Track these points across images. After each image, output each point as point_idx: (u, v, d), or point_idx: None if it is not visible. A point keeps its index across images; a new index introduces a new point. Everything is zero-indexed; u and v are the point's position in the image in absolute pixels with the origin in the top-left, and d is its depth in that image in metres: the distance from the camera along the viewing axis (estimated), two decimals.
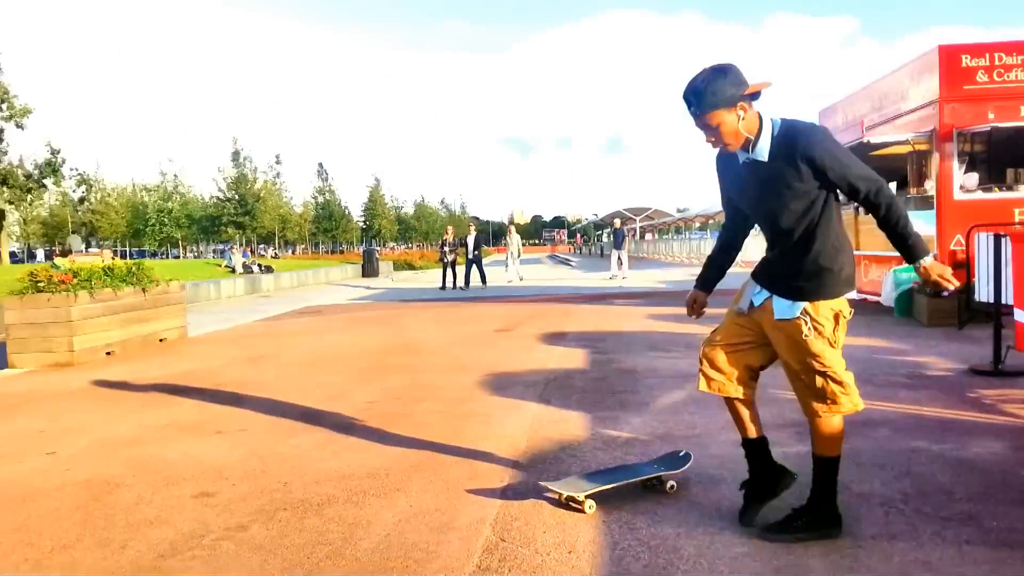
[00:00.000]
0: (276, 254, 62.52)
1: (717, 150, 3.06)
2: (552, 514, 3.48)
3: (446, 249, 21.47)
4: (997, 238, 6.68)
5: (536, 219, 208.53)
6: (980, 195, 10.28)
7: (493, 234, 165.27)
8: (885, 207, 2.87)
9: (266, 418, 5.63)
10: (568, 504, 3.53)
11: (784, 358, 3.06)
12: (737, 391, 3.22)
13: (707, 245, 36.92)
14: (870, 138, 11.10)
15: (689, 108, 2.89)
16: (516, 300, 16.28)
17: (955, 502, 3.47)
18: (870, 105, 12.43)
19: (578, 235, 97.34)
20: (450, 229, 22.62)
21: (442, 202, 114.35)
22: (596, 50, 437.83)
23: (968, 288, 8.00)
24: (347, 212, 78.26)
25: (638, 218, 52.62)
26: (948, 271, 2.87)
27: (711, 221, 49.36)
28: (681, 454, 3.90)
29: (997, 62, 10.08)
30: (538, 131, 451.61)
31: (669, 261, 41.42)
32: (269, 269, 27.58)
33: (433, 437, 4.89)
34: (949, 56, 10.15)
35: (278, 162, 64.02)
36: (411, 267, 41.83)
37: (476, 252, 21.32)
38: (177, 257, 61.78)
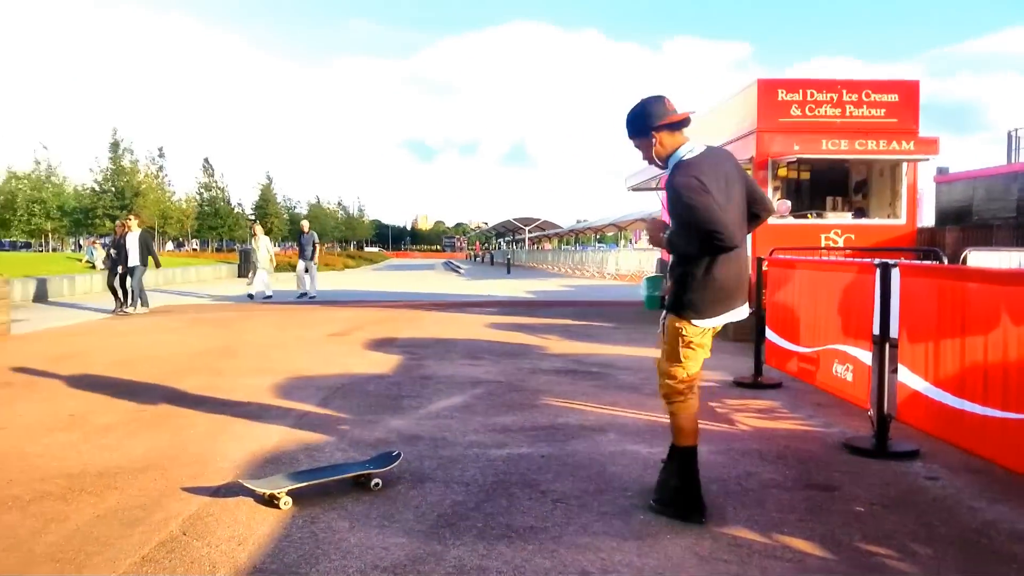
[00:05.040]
0: None
1: None
2: (248, 511, 3.66)
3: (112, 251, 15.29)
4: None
5: (438, 225, 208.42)
6: (791, 220, 11.07)
7: (393, 238, 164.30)
8: None
9: (34, 416, 5.58)
10: (270, 501, 3.72)
11: None
12: None
13: (595, 257, 37.74)
14: None
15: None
16: (373, 305, 16.36)
17: (625, 497, 3.85)
18: (709, 129, 13.19)
19: (476, 242, 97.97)
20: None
21: (339, 203, 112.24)
22: (500, 59, 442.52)
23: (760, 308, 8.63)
24: (238, 209, 76.25)
25: (527, 228, 53.51)
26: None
27: (607, 234, 50.71)
28: (393, 453, 4.16)
29: (808, 97, 10.90)
30: (441, 136, 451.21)
31: (552, 271, 42.23)
32: None
33: (188, 437, 5.00)
34: (767, 89, 10.91)
35: (161, 155, 61.67)
36: (293, 268, 41.09)
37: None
38: (44, 250, 58.65)
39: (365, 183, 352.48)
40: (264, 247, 18.28)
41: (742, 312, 3.66)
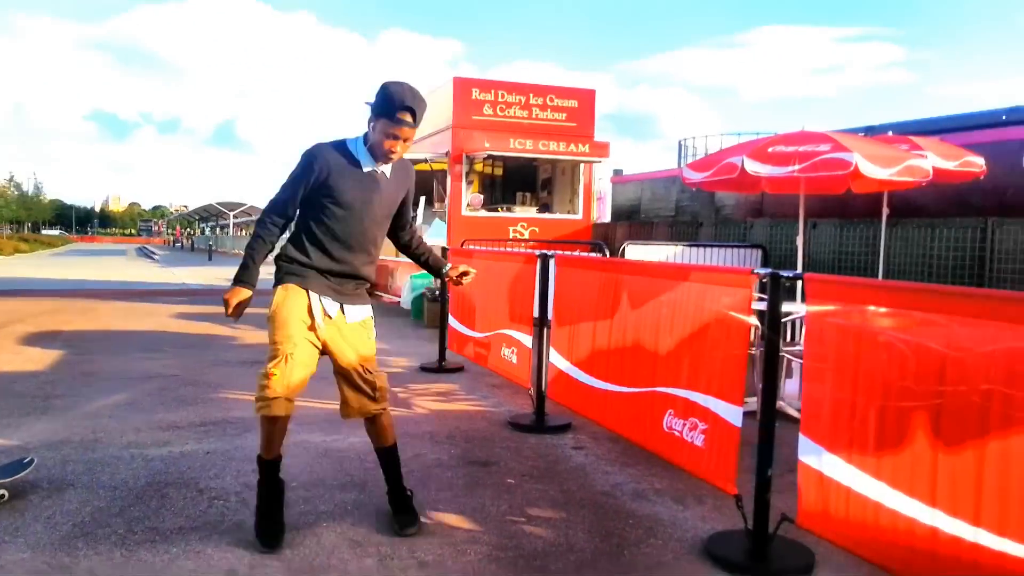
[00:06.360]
0: None
1: (318, 143, 3.22)
2: None
3: None
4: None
5: (133, 207, 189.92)
6: (483, 213, 11.66)
7: (78, 220, 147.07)
8: (419, 237, 3.68)
9: None
10: None
11: (350, 358, 3.29)
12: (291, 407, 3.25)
13: None
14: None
15: (412, 115, 3.07)
16: (42, 295, 14.51)
17: (290, 488, 3.79)
18: None
19: (177, 227, 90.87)
20: None
21: (11, 179, 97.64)
22: (206, 34, 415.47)
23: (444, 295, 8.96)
24: None
25: (232, 213, 50.75)
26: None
27: None
28: (25, 460, 3.73)
29: (500, 98, 11.52)
30: (136, 111, 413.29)
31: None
32: None
33: None
34: (462, 88, 11.35)
35: None
36: None
37: None
38: None
39: (44, 158, 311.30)
40: None
41: None
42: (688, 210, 12.97)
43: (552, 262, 5.04)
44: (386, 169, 3.24)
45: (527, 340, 5.36)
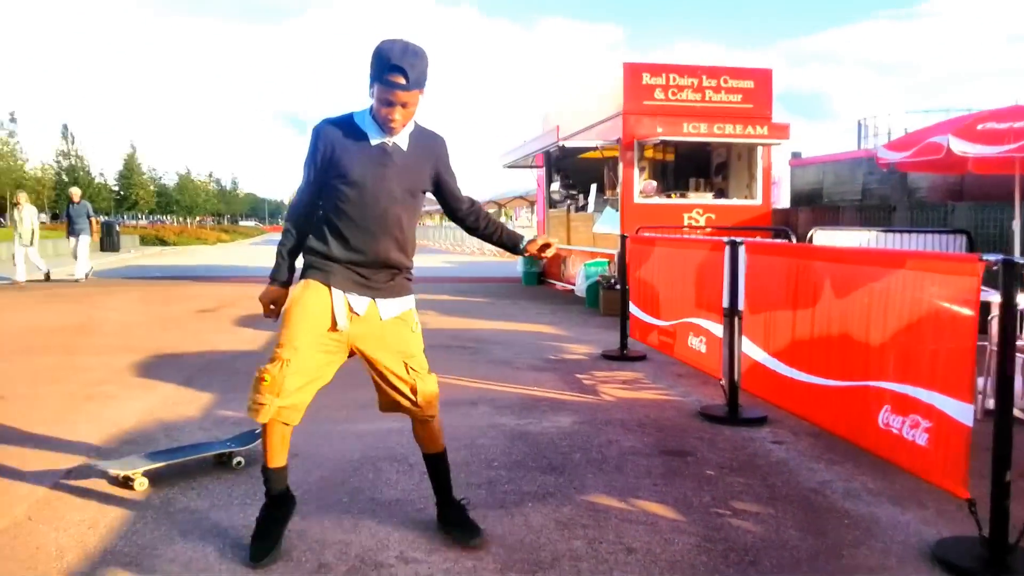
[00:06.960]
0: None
1: (324, 119, 2.90)
2: (101, 493, 3.52)
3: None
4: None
5: None
6: (657, 200, 11.50)
7: (270, 212, 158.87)
8: (485, 215, 3.22)
9: None
10: (125, 483, 3.59)
11: (385, 358, 3.04)
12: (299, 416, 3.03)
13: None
14: (564, 143, 12.04)
15: (404, 75, 2.65)
16: (246, 280, 15.83)
17: (492, 468, 3.95)
18: (567, 112, 13.43)
19: None
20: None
21: (210, 176, 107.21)
22: (369, 32, 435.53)
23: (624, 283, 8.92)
24: (100, 180, 71.90)
25: None
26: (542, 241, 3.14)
27: (488, 211, 50.52)
28: (256, 431, 4.08)
29: (671, 82, 11.29)
30: (315, 108, 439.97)
31: (434, 247, 42.17)
32: None
33: (38, 419, 4.74)
34: (632, 73, 11.22)
35: (12, 120, 56.84)
36: (163, 242, 39.26)
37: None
38: None
39: (239, 155, 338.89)
40: (29, 219, 14.88)
41: None
42: (876, 193, 12.16)
43: (742, 249, 4.90)
44: (400, 141, 2.86)
45: (717, 329, 5.25)
